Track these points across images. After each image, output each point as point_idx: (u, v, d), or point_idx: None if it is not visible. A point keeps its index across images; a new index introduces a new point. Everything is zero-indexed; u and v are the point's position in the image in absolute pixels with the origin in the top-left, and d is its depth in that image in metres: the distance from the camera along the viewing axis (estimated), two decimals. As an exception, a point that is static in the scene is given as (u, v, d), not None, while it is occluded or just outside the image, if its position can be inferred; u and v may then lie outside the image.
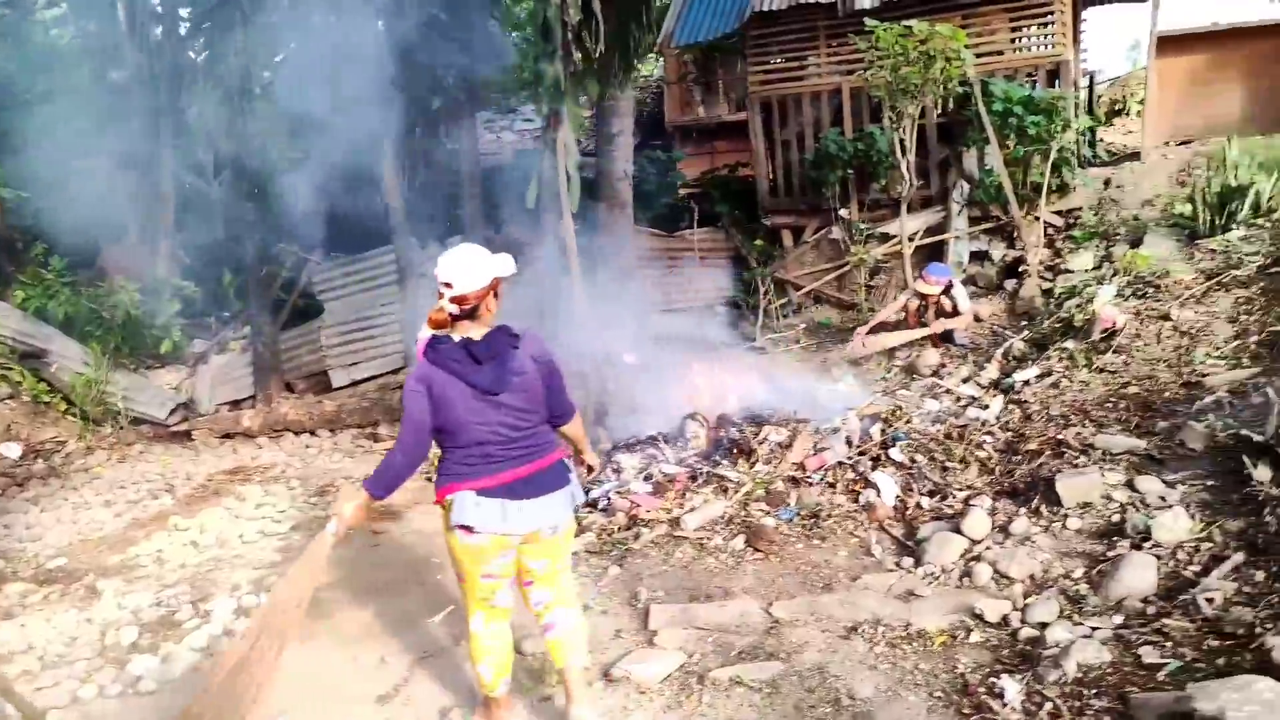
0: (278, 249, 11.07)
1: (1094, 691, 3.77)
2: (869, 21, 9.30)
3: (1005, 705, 3.79)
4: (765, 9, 11.01)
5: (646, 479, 6.88)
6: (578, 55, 8.67)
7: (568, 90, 8.59)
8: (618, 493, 6.75)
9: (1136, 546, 4.85)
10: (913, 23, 9.03)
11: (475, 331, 3.55)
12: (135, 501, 7.91)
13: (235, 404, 10.77)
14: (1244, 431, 5.16)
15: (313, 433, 9.81)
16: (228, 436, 9.95)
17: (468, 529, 3.55)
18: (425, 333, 3.60)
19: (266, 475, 8.45)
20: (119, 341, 10.28)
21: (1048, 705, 3.73)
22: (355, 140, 10.19)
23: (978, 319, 9.51)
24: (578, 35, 8.58)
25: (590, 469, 4.23)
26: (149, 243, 11.99)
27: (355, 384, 10.52)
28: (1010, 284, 10.09)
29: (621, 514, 6.46)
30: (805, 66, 11.56)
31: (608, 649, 4.80)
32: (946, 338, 9.02)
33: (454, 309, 3.50)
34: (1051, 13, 10.56)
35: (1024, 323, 8.97)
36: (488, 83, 10.24)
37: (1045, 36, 10.78)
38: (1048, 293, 9.31)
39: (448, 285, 3.48)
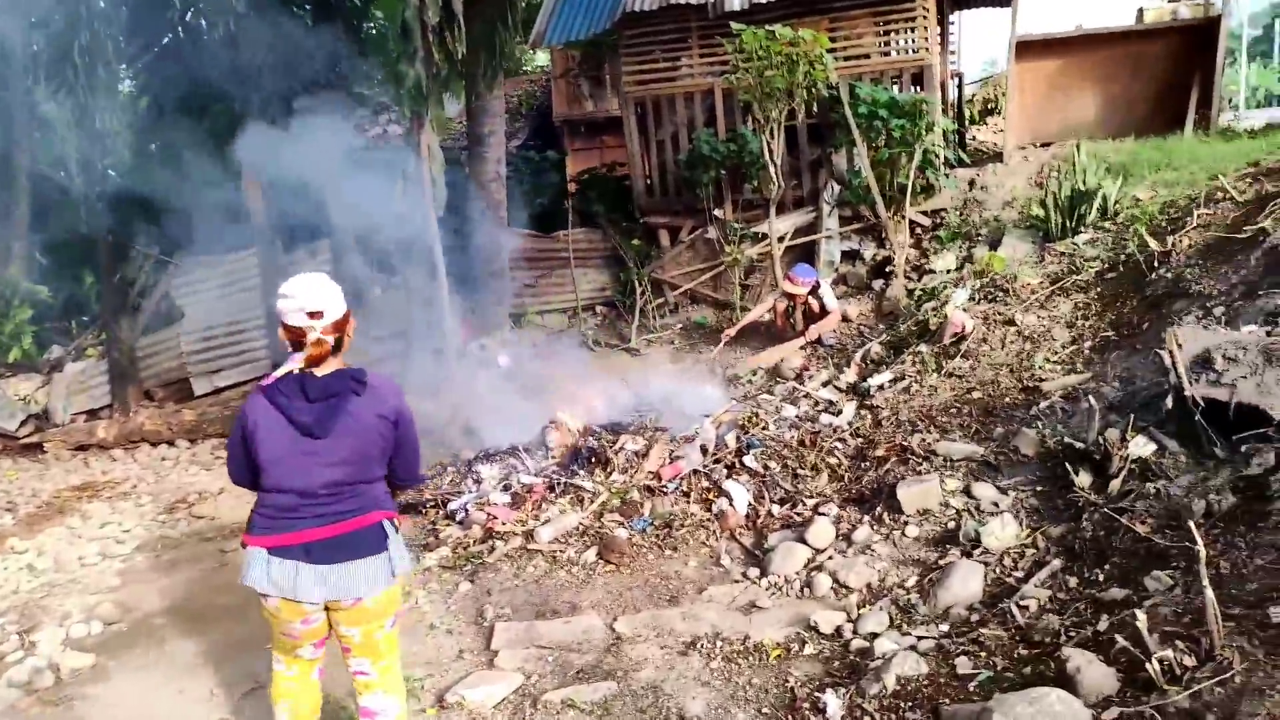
0: (136, 251, 10.64)
1: (909, 704, 3.85)
2: (734, 25, 9.34)
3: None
4: (637, 9, 10.97)
5: (506, 489, 6.81)
6: (440, 57, 8.56)
7: (430, 92, 8.46)
8: (476, 504, 6.67)
9: (967, 554, 4.98)
10: (777, 27, 9.10)
11: (323, 366, 3.28)
12: (-28, 522, 7.54)
13: (92, 414, 10.33)
14: (1068, 439, 5.33)
15: (171, 443, 9.48)
16: (81, 449, 9.56)
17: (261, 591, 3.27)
18: (288, 367, 3.30)
19: (116, 491, 8.14)
20: (-38, 350, 9.77)
21: (866, 719, 3.81)
22: (214, 139, 9.88)
23: (846, 319, 9.68)
24: (439, 37, 8.46)
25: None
26: (1, 244, 11.45)
27: (218, 391, 10.17)
28: (879, 284, 10.28)
29: (478, 527, 6.38)
30: (679, 67, 11.58)
31: (448, 671, 4.75)
32: (815, 340, 9.15)
33: (330, 339, 3.25)
34: (915, 17, 10.77)
35: (888, 324, 9.15)
36: (352, 83, 9.98)
37: (911, 41, 11.00)
38: (913, 293, 9.51)
39: (317, 315, 3.21)
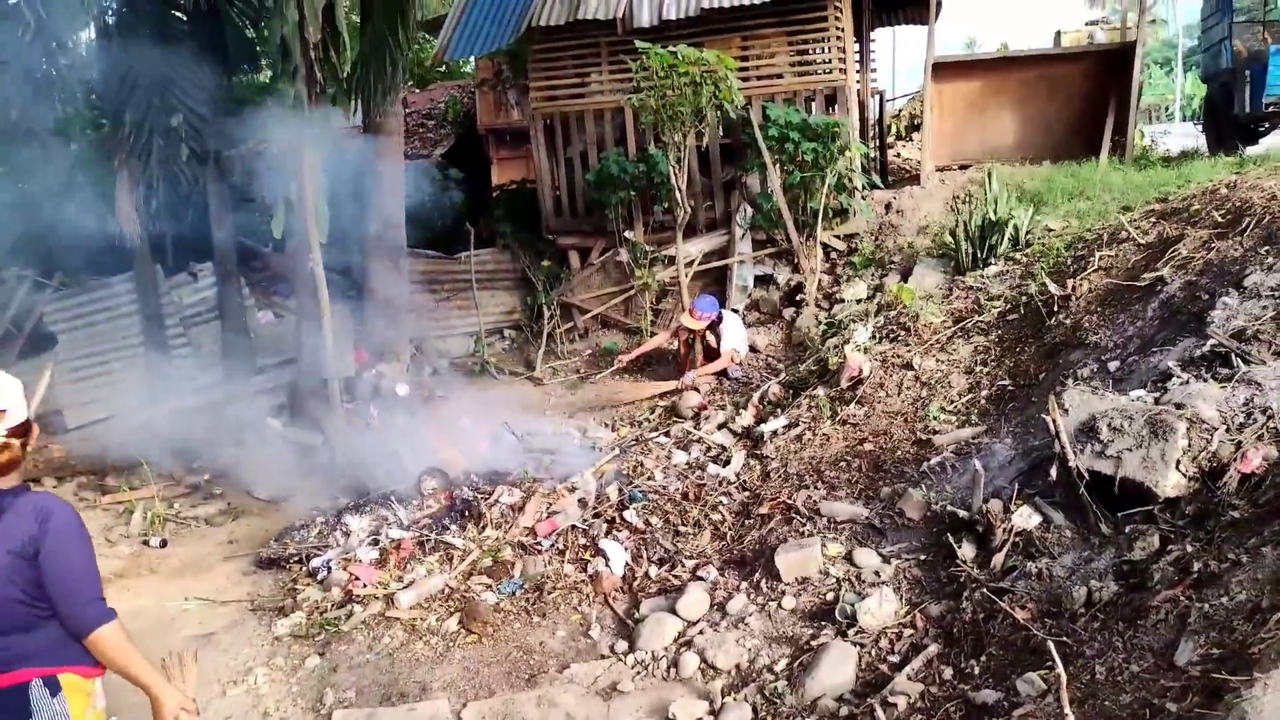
0: (9, 273, 10.00)
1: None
2: (639, 43, 8.97)
3: None
4: (544, 23, 10.55)
5: (375, 544, 6.38)
6: (324, 74, 8.07)
7: (313, 114, 7.97)
8: (341, 561, 6.22)
9: (842, 633, 4.66)
10: (682, 46, 8.74)
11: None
12: None
13: (-42, 446, 9.67)
14: (951, 506, 5.03)
15: (35, 481, 8.84)
16: (-60, 486, 8.91)
17: None
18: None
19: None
20: None
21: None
22: (84, 159, 9.32)
23: (754, 349, 9.36)
24: (322, 54, 7.98)
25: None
26: None
27: (92, 424, 9.56)
28: (790, 312, 9.98)
29: (338, 589, 5.94)
30: (588, 83, 11.18)
31: (272, 774, 4.32)
32: (720, 373, 8.81)
33: (16, 443, 2.78)
34: (829, 36, 10.49)
35: (796, 356, 8.85)
36: (230, 102, 9.45)
37: (826, 61, 10.71)
38: (822, 322, 9.21)
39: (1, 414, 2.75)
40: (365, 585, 5.90)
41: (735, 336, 8.82)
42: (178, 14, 9.07)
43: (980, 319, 7.29)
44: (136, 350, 9.67)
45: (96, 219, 9.22)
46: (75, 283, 9.97)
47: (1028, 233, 8.77)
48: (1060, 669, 3.15)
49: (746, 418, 7.37)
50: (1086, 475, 4.54)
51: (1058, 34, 12.93)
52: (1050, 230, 8.72)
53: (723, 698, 4.46)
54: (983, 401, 6.29)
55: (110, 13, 8.81)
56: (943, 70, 11.52)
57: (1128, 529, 4.31)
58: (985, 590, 4.43)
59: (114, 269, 9.80)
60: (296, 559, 6.47)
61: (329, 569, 6.16)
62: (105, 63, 8.59)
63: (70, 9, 8.39)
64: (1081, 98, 11.49)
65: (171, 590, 6.30)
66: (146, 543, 7.17)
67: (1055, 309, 6.79)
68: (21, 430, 2.82)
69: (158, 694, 2.92)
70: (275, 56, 8.05)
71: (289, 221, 8.37)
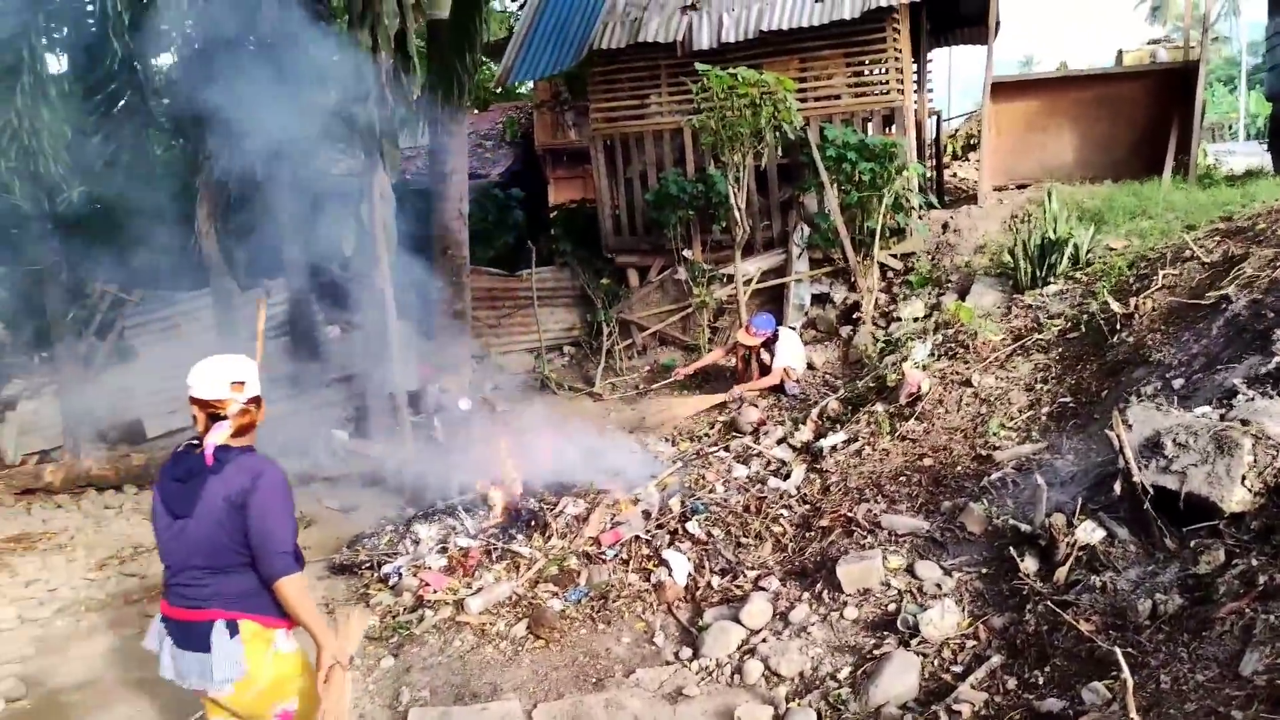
0: (93, 287, 10.42)
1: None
2: (699, 65, 9.15)
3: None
4: (605, 47, 10.80)
5: (443, 552, 6.56)
6: (395, 98, 8.37)
7: (383, 135, 8.26)
8: (411, 568, 6.42)
9: (905, 643, 4.73)
10: (741, 68, 8.90)
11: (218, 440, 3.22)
12: (-105, 576, 7.26)
13: (44, 454, 10.05)
14: (1014, 521, 5.08)
15: (119, 488, 9.20)
16: (27, 492, 9.27)
17: None
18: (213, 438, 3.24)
19: (52, 543, 7.84)
20: (-91, 388, 9.51)
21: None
22: (171, 177, 9.69)
23: (811, 367, 9.45)
24: (394, 77, 8.27)
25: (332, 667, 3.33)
26: (-40, 276, 11.20)
27: (170, 434, 9.91)
28: (847, 330, 10.06)
29: (409, 594, 6.13)
30: (648, 105, 11.40)
31: (352, 766, 4.49)
32: (778, 389, 8.91)
33: (243, 421, 3.26)
34: (887, 57, 10.59)
35: (853, 373, 8.93)
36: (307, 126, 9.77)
37: (884, 81, 10.81)
38: (879, 340, 9.28)
39: (240, 385, 3.26)
40: (435, 591, 6.08)
41: (789, 353, 8.92)
42: (255, 38, 9.44)
43: (1040, 337, 7.32)
44: (212, 363, 10.00)
45: (176, 236, 9.60)
46: (154, 298, 10.33)
47: (1088, 251, 8.78)
48: (1127, 674, 3.22)
49: (805, 433, 7.46)
50: (1151, 490, 4.57)
51: (1119, 53, 12.87)
52: (1111, 249, 8.72)
53: (787, 703, 4.55)
54: (1043, 418, 6.33)
55: (192, 38, 9.15)
56: (1001, 89, 11.56)
57: (1192, 543, 4.34)
58: (1049, 603, 4.48)
59: (191, 285, 10.17)
60: (368, 565, 6.68)
61: (400, 575, 6.35)
62: (187, 85, 8.94)
63: (155, 34, 8.79)
64: (1143, 117, 11.45)
65: (249, 593, 6.54)
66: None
67: (1117, 327, 6.80)
68: (256, 401, 3.32)
69: (321, 642, 3.31)
70: (348, 80, 8.35)
71: (359, 239, 8.67)
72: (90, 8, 8.62)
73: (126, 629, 6.16)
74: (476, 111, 20.24)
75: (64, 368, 10.08)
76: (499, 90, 20.18)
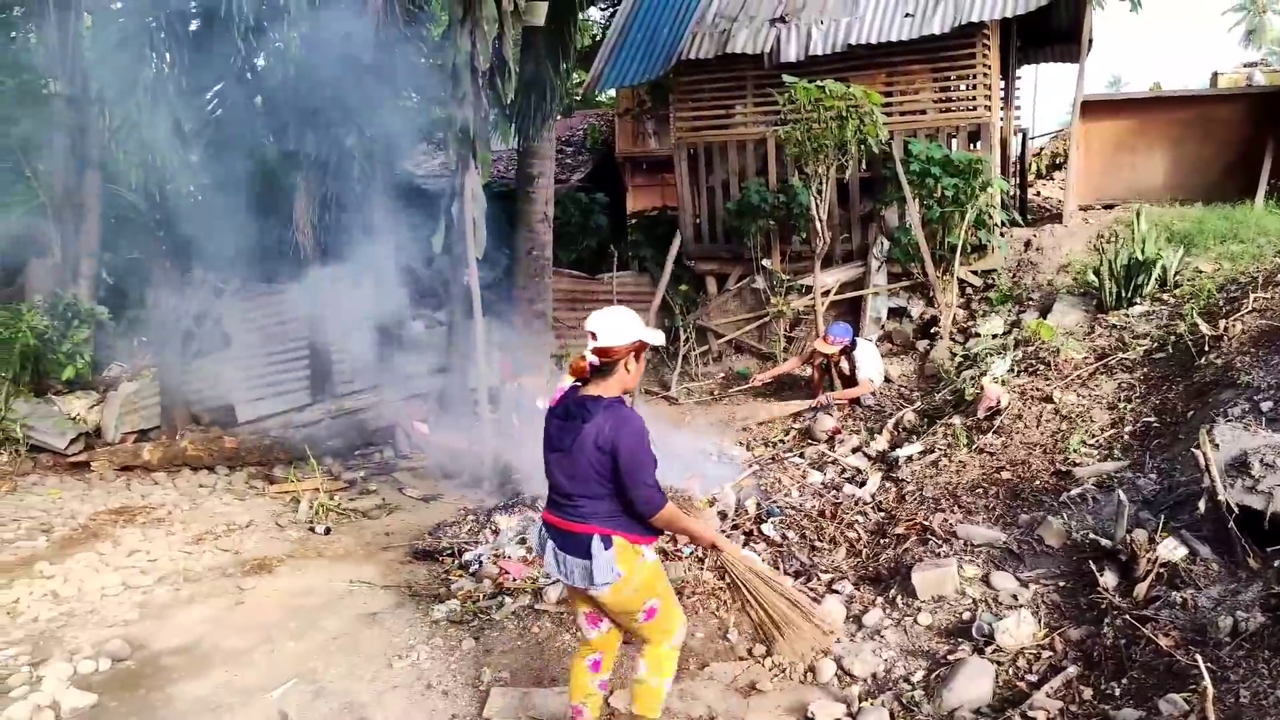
0: (193, 276, 10.87)
1: (896, 819, 3.68)
2: (786, 77, 9.27)
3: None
4: (693, 57, 10.97)
5: (522, 543, 6.75)
6: (489, 101, 8.62)
7: (476, 136, 8.51)
8: (491, 556, 6.63)
9: (979, 650, 4.78)
10: (828, 81, 8.99)
11: (594, 389, 3.76)
12: (10, 542, 7.63)
13: (143, 434, 10.50)
14: (1094, 535, 5.10)
15: (211, 469, 9.59)
16: (127, 469, 9.70)
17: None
18: (565, 380, 3.93)
19: (151, 517, 8.22)
20: (19, 368, 10.01)
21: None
22: (272, 172, 10.08)
23: (887, 379, 9.48)
24: (490, 81, 8.52)
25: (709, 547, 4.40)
26: (70, 262, 11.76)
27: (260, 419, 10.30)
28: (924, 344, 10.06)
29: (489, 581, 6.33)
30: (732, 115, 11.54)
31: (434, 740, 4.68)
32: (854, 399, 8.96)
33: (594, 360, 3.72)
34: (975, 73, 10.58)
35: (929, 387, 8.94)
36: (400, 126, 10.12)
37: (971, 97, 10.80)
38: (956, 356, 9.28)
39: (593, 335, 3.72)
40: (515, 579, 6.27)
41: (871, 366, 8.96)
42: (357, 41, 9.80)
43: (1125, 356, 7.29)
44: (302, 353, 10.38)
45: (274, 229, 10.00)
46: (250, 288, 10.75)
47: (1176, 273, 8.69)
48: (1208, 683, 3.25)
49: (881, 442, 7.51)
50: (1236, 509, 4.57)
51: (1214, 75, 12.67)
52: (1200, 272, 8.62)
53: (860, 702, 4.63)
54: (1126, 437, 6.31)
55: (296, 41, 9.54)
56: (1091, 108, 11.47)
57: (1276, 563, 4.33)
58: (1128, 617, 4.50)
59: (285, 276, 10.56)
60: (449, 552, 6.90)
61: (480, 563, 6.56)
62: (291, 87, 9.34)
63: (261, 34, 9.18)
64: (1237, 140, 11.27)
65: (337, 573, 6.80)
66: (312, 529, 7.73)
67: (1206, 349, 6.74)
68: (637, 355, 3.80)
69: (705, 539, 4.23)
70: (447, 83, 8.63)
71: (448, 238, 8.94)
72: (213, 10, 9.01)
73: (221, 600, 6.46)
74: (559, 117, 20.56)
75: (163, 352, 10.55)
76: (580, 98, 20.50)
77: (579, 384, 3.84)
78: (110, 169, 10.82)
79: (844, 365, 8.93)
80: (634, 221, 13.40)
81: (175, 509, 8.54)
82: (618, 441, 3.64)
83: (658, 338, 3.91)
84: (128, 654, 5.68)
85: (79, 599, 6.53)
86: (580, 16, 11.71)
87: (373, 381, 10.45)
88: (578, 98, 20.45)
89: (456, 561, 6.75)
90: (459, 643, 5.66)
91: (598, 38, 19.30)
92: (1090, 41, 11.47)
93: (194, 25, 9.48)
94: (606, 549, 3.78)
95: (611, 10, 19.17)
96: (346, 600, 6.35)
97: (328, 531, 7.69)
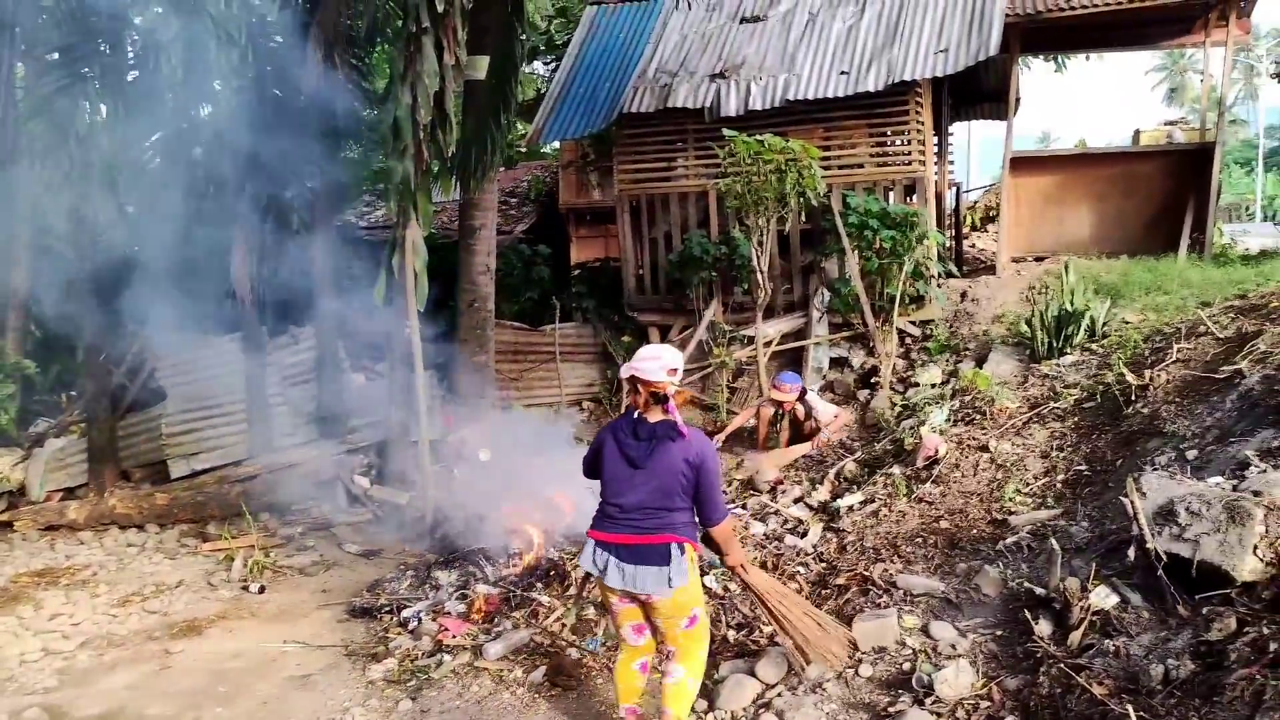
0: (124, 328, 10.64)
1: None
2: (726, 131, 9.43)
3: None
4: (635, 110, 11.12)
5: (462, 598, 6.66)
6: (430, 154, 8.62)
7: (418, 188, 8.50)
8: (431, 613, 6.52)
9: (919, 701, 4.77)
10: (767, 136, 9.17)
11: (656, 415, 4.31)
12: (-76, 605, 7.37)
13: (69, 492, 10.19)
14: (1028, 584, 5.16)
15: (140, 528, 9.33)
16: (52, 529, 9.41)
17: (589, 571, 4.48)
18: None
19: (75, 579, 7.97)
20: (-58, 423, 9.70)
21: None
22: (208, 225, 9.95)
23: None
24: (431, 134, 8.53)
25: (738, 567, 4.86)
26: (-1, 314, 11.45)
27: (194, 475, 10.06)
28: (865, 394, 10.18)
29: (428, 638, 6.22)
30: (674, 167, 11.69)
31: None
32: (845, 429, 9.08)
33: (644, 395, 4.31)
34: (909, 129, 10.86)
35: (870, 436, 9.03)
36: (340, 179, 10.09)
37: (906, 152, 11.07)
38: (896, 405, 9.39)
39: (672, 371, 4.31)
40: (454, 636, 6.17)
41: (826, 408, 9.11)
42: (298, 94, 9.78)
43: (1056, 405, 7.43)
44: (238, 407, 10.18)
45: (209, 281, 9.85)
46: (185, 341, 10.54)
47: (1104, 324, 8.92)
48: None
49: (823, 493, 7.56)
50: (1164, 557, 4.65)
51: (1136, 132, 13.14)
52: (1127, 323, 8.86)
53: (802, 758, 4.60)
54: (1059, 485, 6.42)
55: (236, 89, 9.48)
56: (1021, 164, 11.81)
57: (1205, 610, 4.40)
58: (1062, 666, 4.53)
59: (221, 329, 10.38)
60: (388, 609, 6.78)
61: (419, 619, 6.45)
62: (229, 136, 9.26)
63: (199, 86, 9.12)
64: (1160, 195, 11.67)
65: (270, 633, 6.63)
66: (246, 588, 7.55)
67: (1133, 398, 6.91)
68: (651, 386, 4.31)
69: (734, 558, 4.75)
70: (387, 136, 8.63)
71: (389, 290, 8.87)
72: (148, 61, 8.94)
73: (147, 665, 6.26)
74: (502, 169, 20.65)
75: (93, 407, 10.28)
76: (524, 150, 20.62)
77: (631, 411, 4.39)
78: (40, 220, 10.63)
79: (798, 411, 9.00)
80: (577, 272, 13.45)
81: (101, 569, 8.30)
82: (704, 459, 4.29)
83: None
84: (46, 725, 5.47)
85: (-3, 665, 6.29)
86: (523, 70, 11.80)
87: (312, 434, 10.28)
88: (521, 150, 20.56)
89: (395, 619, 6.63)
90: (395, 704, 5.53)
91: (541, 90, 19.48)
92: (1018, 100, 11.85)
93: (130, 76, 9.36)
94: (681, 554, 4.31)
95: (554, 64, 19.39)
96: (279, 662, 6.19)
97: (262, 590, 7.51)
